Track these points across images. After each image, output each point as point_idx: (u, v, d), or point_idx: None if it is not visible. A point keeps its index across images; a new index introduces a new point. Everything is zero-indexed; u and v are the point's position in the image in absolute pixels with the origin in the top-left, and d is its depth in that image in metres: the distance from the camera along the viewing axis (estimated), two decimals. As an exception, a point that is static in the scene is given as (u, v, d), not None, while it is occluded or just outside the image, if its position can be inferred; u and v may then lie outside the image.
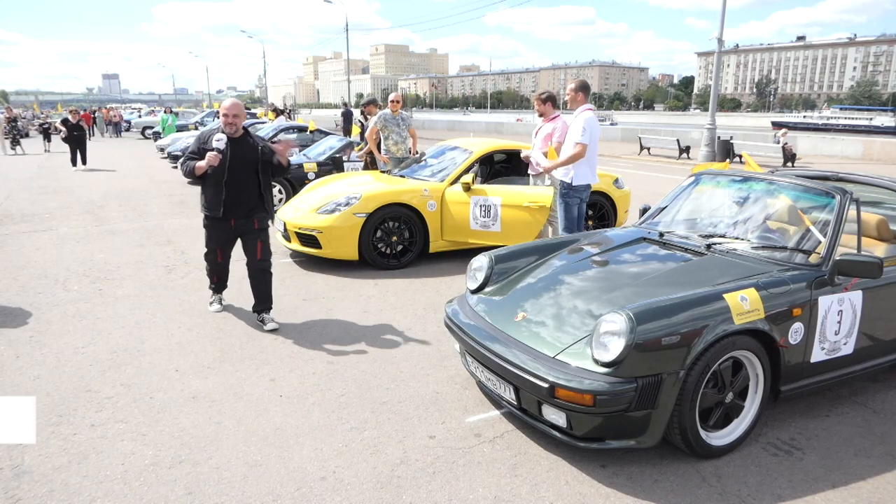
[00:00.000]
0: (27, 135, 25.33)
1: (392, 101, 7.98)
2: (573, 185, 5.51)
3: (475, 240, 6.40)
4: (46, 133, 22.00)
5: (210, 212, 4.50)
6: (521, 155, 6.49)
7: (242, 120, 4.47)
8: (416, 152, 8.00)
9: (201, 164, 4.33)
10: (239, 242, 4.68)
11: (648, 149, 22.01)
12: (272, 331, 4.51)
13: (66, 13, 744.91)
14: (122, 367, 3.89)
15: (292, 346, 4.24)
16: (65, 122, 16.39)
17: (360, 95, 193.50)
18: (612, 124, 47.32)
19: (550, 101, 6.37)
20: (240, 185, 4.44)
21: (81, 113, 28.13)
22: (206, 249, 4.74)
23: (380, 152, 8.02)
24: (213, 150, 4.31)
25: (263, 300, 4.67)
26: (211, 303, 5.00)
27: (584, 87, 5.60)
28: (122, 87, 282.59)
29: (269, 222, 4.67)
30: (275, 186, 8.85)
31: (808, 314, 3.03)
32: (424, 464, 2.87)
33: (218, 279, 4.93)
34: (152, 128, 27.20)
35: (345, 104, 29.33)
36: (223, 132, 4.44)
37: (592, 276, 3.48)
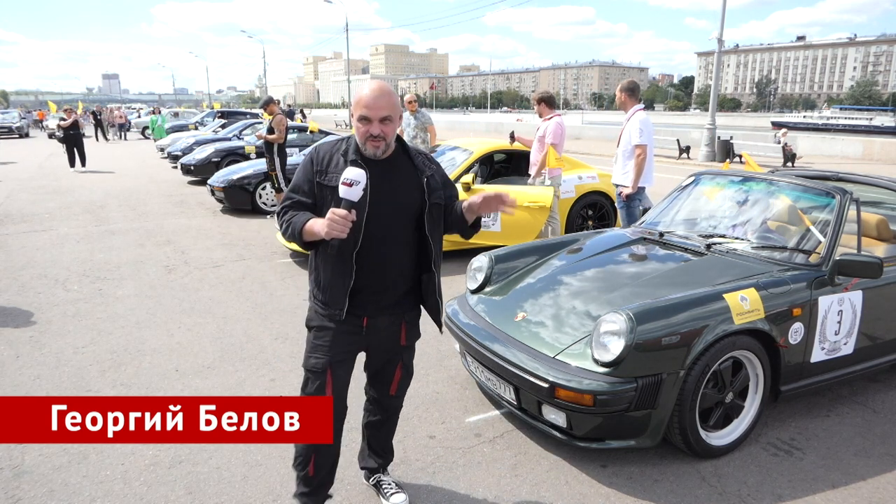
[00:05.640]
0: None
1: (408, 102, 8.55)
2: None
3: (475, 240, 6.37)
4: None
5: (327, 308, 2.24)
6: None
7: (398, 126, 2.21)
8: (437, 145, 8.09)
9: (318, 227, 2.05)
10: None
11: (648, 149, 21.98)
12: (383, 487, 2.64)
13: (66, 13, 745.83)
14: (122, 367, 3.89)
15: (292, 347, 4.23)
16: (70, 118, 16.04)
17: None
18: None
19: (545, 101, 6.40)
20: (384, 252, 2.22)
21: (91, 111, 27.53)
22: (307, 371, 2.28)
23: None
24: (341, 198, 2.00)
25: (384, 449, 2.64)
26: None
27: (630, 88, 5.46)
28: (122, 87, 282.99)
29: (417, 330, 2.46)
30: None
31: (808, 314, 3.03)
32: (424, 464, 2.87)
33: (316, 471, 2.35)
34: (153, 128, 27.07)
35: (289, 105, 29.16)
36: (360, 160, 2.14)
37: (592, 276, 3.49)
